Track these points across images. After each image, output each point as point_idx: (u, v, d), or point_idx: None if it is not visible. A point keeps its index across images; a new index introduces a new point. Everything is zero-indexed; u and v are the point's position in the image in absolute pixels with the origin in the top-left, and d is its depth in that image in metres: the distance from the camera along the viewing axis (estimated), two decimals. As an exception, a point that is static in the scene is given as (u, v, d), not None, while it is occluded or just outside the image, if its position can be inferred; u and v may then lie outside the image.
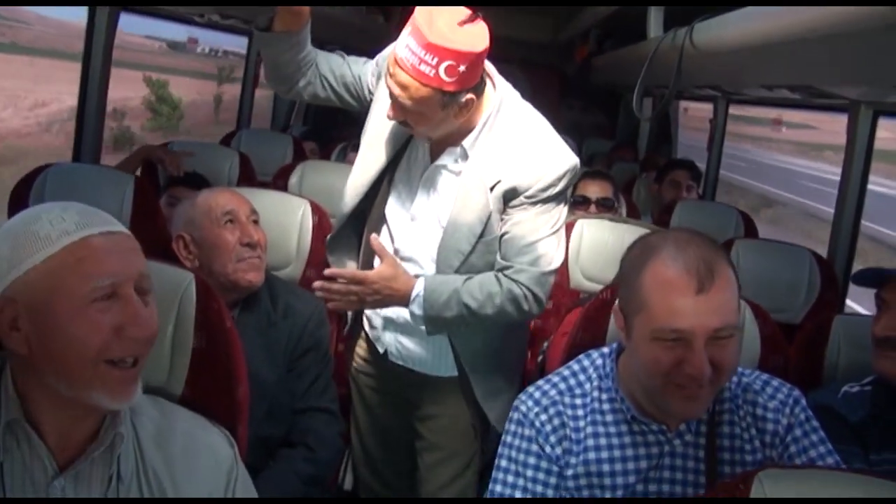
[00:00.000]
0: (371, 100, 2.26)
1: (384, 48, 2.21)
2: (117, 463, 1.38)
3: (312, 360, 2.25)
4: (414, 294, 2.10)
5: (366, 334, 2.37)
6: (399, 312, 2.21)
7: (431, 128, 2.06)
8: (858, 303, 4.49)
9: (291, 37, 2.20)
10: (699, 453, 1.60)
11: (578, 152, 2.22)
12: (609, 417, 1.63)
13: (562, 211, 2.13)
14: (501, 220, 2.11)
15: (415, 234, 2.20)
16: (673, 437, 1.60)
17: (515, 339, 2.35)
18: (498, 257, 2.13)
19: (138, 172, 3.47)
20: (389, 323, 2.28)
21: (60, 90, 7.74)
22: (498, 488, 1.66)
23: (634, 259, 1.56)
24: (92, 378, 1.30)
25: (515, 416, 1.67)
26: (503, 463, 1.67)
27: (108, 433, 1.38)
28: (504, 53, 1.86)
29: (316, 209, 2.67)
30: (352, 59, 2.30)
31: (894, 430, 1.88)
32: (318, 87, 2.28)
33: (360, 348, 2.40)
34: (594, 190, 3.39)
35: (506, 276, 2.11)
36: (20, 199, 2.77)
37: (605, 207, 3.37)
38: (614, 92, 7.31)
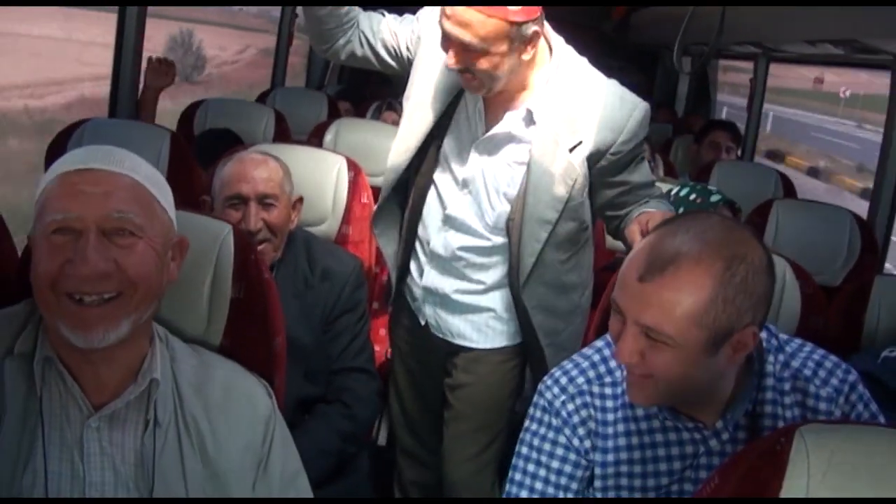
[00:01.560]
0: (412, 61, 2.18)
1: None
2: (154, 408, 1.40)
3: (349, 321, 2.25)
4: None
5: (408, 305, 2.34)
6: (437, 284, 2.22)
7: (496, 74, 1.95)
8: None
9: None
10: (738, 449, 1.44)
11: None
12: (640, 411, 1.48)
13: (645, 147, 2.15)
14: (599, 181, 2.09)
15: (467, 201, 2.14)
16: (710, 435, 1.46)
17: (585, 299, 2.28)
18: (628, 204, 2.11)
19: (175, 128, 3.48)
20: (429, 295, 2.25)
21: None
22: (518, 476, 1.55)
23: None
24: (56, 309, 1.32)
25: (541, 402, 1.55)
26: (524, 450, 1.55)
27: (145, 378, 1.40)
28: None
29: (352, 165, 2.67)
30: (392, 17, 2.21)
31: (936, 395, 1.86)
32: (357, 45, 2.18)
33: (404, 317, 2.38)
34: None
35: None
36: (59, 152, 2.79)
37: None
38: (652, 52, 7.20)
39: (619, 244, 2.80)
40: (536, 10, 1.91)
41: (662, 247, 1.31)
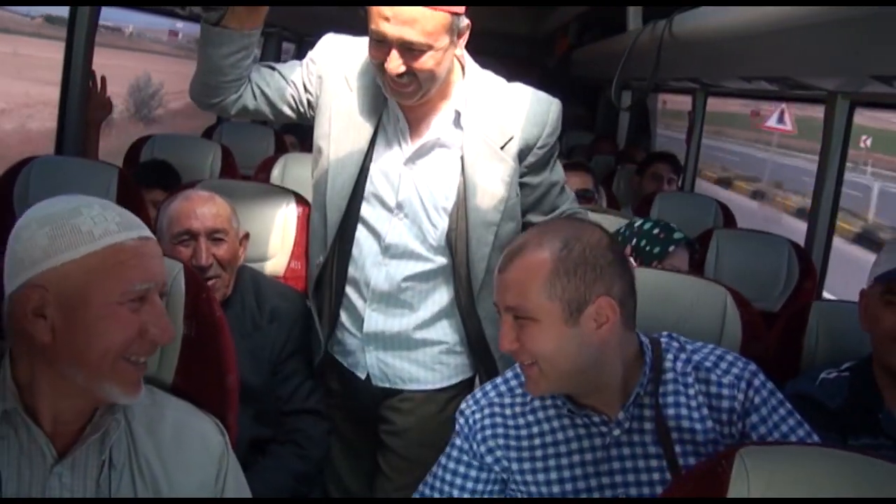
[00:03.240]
0: (312, 104, 2.10)
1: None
2: (109, 450, 1.40)
3: (298, 363, 2.23)
4: None
5: (338, 366, 2.22)
6: (382, 326, 2.12)
7: (437, 72, 1.92)
8: (834, 293, 4.56)
9: (244, 37, 1.97)
10: (645, 438, 1.60)
11: (559, 144, 2.21)
12: (551, 412, 1.66)
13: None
14: (522, 183, 2.09)
15: (404, 226, 2.07)
16: (614, 426, 1.60)
17: None
18: (534, 217, 2.13)
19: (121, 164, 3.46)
20: (371, 342, 2.14)
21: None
22: (436, 470, 1.73)
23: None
24: (109, 372, 1.35)
25: (459, 417, 1.73)
26: (446, 450, 1.74)
27: (105, 419, 1.40)
28: (483, 46, 1.85)
29: (300, 201, 2.69)
30: (283, 66, 2.12)
31: (872, 416, 1.92)
32: (249, 99, 2.06)
33: (333, 382, 2.27)
34: (574, 182, 3.41)
35: (571, 212, 2.18)
36: (4, 191, 2.77)
37: (584, 199, 3.40)
38: (594, 85, 7.35)
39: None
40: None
41: (513, 244, 1.58)
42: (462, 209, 2.04)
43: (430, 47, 1.87)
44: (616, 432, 1.61)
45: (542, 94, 2.09)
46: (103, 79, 3.43)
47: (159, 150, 3.70)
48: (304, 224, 2.63)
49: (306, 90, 2.10)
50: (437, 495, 1.70)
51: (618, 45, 3.87)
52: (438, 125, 2.04)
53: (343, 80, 2.05)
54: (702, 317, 1.99)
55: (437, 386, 2.17)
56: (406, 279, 2.10)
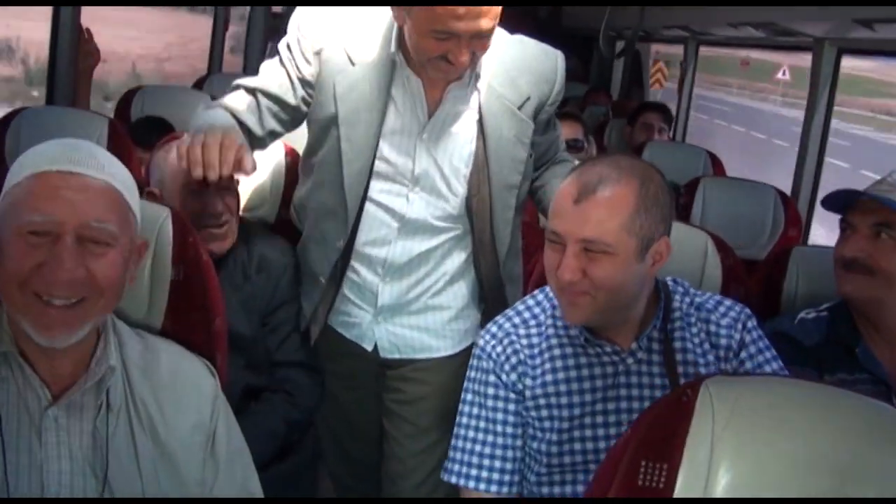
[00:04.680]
0: (311, 94, 1.98)
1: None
2: (106, 393, 1.43)
3: (287, 314, 2.20)
4: None
5: (337, 337, 2.16)
6: (396, 297, 2.07)
7: (488, 49, 1.86)
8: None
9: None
10: (653, 369, 1.70)
11: None
12: (565, 340, 1.73)
13: None
14: (535, 142, 2.05)
15: (422, 199, 2.00)
16: (626, 355, 1.70)
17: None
18: (537, 164, 2.12)
19: (112, 115, 3.47)
20: (381, 313, 2.10)
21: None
22: (464, 420, 1.77)
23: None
24: (21, 306, 1.35)
25: (476, 351, 1.79)
26: (468, 396, 1.78)
27: (100, 366, 1.43)
28: None
29: (289, 151, 2.70)
30: (268, 82, 1.98)
31: (848, 352, 1.95)
32: (260, 144, 2.02)
33: (331, 352, 2.19)
34: (565, 132, 3.38)
35: (562, 159, 2.20)
36: (-3, 141, 2.79)
37: (574, 149, 3.42)
38: (588, 36, 7.31)
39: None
40: None
41: (588, 175, 1.58)
42: (483, 173, 1.99)
43: (492, 30, 1.80)
44: (629, 361, 1.70)
45: (547, 48, 2.05)
46: (88, 30, 3.43)
47: (149, 102, 3.71)
48: (293, 172, 2.64)
49: (304, 82, 1.98)
50: (482, 436, 1.74)
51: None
52: (456, 90, 1.95)
53: (343, 54, 1.93)
54: (683, 261, 2.00)
55: (448, 353, 2.13)
56: (425, 251, 2.05)
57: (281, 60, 1.99)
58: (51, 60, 3.42)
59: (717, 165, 3.89)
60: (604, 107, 6.09)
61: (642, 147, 3.91)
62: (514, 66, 1.98)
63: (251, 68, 5.79)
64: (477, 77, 1.94)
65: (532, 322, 1.77)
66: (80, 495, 1.41)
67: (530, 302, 1.81)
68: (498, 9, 1.76)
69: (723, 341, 1.71)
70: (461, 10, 1.71)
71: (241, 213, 2.36)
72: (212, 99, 3.72)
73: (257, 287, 2.17)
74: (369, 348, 2.13)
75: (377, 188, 1.99)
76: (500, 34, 1.96)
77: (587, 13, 5.57)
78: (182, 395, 1.51)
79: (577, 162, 2.34)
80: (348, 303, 2.13)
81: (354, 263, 2.07)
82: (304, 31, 1.95)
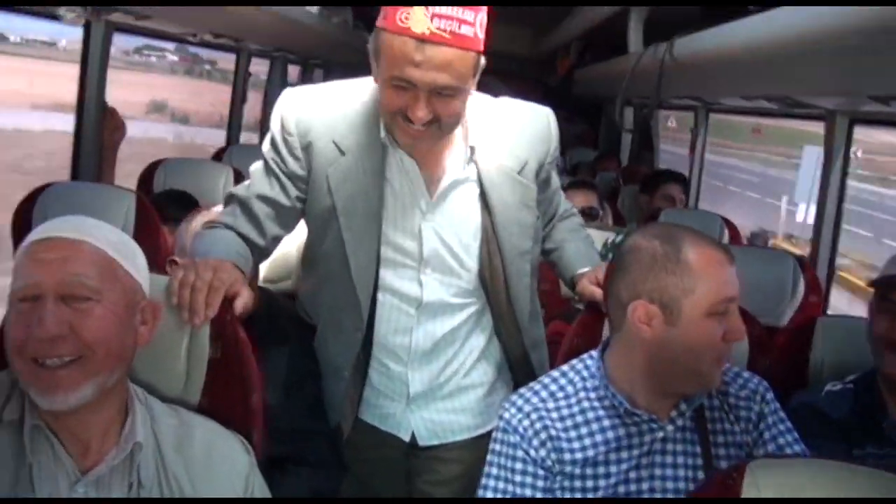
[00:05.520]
0: (304, 189, 1.93)
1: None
2: (137, 470, 1.44)
3: (311, 386, 2.16)
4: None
5: (371, 431, 2.10)
6: (431, 385, 2.02)
7: (459, 116, 1.79)
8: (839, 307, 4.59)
9: None
10: (686, 436, 1.70)
11: (563, 162, 2.23)
12: (601, 413, 1.72)
13: None
14: (538, 200, 2.01)
15: (434, 279, 1.95)
16: (665, 423, 1.70)
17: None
18: (548, 228, 2.13)
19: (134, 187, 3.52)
20: (416, 400, 2.04)
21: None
22: (489, 494, 1.73)
23: (658, 252, 1.64)
24: (24, 373, 1.37)
25: (501, 423, 1.75)
26: (493, 470, 1.74)
27: (128, 442, 1.44)
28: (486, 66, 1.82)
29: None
30: (257, 187, 1.93)
31: (875, 425, 1.96)
32: (270, 240, 1.97)
33: (362, 450, 2.11)
34: (579, 200, 3.47)
35: (565, 213, 2.19)
36: (24, 216, 2.84)
37: (590, 217, 3.46)
38: (596, 102, 7.41)
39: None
40: None
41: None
42: (494, 245, 1.94)
43: (460, 91, 1.72)
44: (669, 428, 1.70)
45: (536, 107, 2.00)
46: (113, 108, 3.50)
47: (171, 175, 3.76)
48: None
49: (295, 177, 1.92)
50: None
51: (620, 65, 3.93)
52: (453, 164, 1.90)
53: (331, 145, 1.88)
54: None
55: (484, 430, 2.05)
56: (448, 333, 2.00)
57: (267, 162, 1.93)
58: (76, 135, 3.47)
59: (732, 231, 3.92)
60: (614, 173, 6.15)
61: (657, 214, 3.94)
62: (507, 132, 1.94)
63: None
64: (472, 149, 1.90)
65: (560, 394, 1.75)
66: (113, 573, 1.40)
67: (556, 374, 1.80)
68: (465, 69, 1.70)
69: (742, 413, 1.73)
70: (418, 56, 1.65)
71: (264, 284, 2.39)
72: (233, 170, 3.85)
73: (279, 359, 2.18)
74: (406, 438, 2.07)
75: (388, 276, 1.94)
76: (486, 101, 1.95)
77: (599, 82, 5.66)
78: (216, 473, 1.52)
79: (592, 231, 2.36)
80: (379, 395, 2.07)
81: (378, 355, 2.02)
82: (289, 128, 1.89)
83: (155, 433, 1.49)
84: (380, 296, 1.96)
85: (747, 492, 1.05)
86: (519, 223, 1.95)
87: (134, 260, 1.50)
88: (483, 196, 1.93)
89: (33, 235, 1.44)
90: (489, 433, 1.97)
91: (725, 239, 3.78)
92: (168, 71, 13.68)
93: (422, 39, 1.64)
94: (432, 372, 2.03)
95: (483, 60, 1.76)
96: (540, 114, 2.00)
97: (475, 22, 1.68)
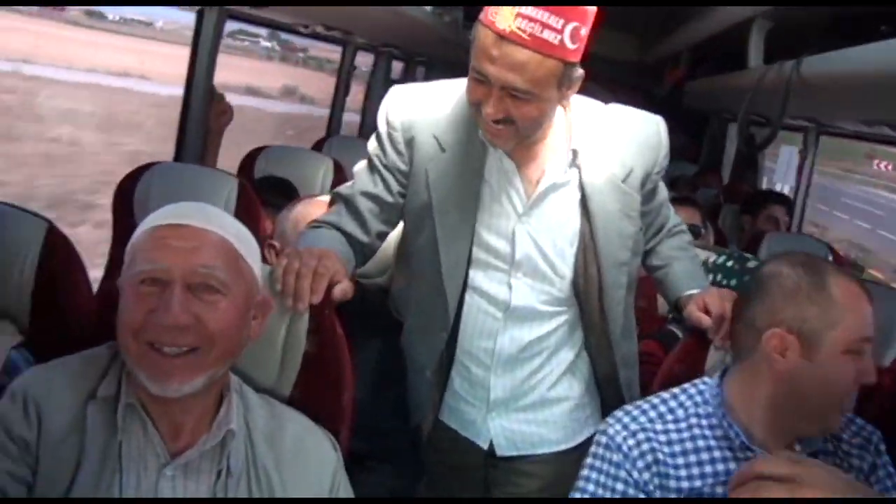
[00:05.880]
0: (405, 185, 1.95)
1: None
2: (227, 458, 1.44)
3: (398, 384, 2.18)
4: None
5: (450, 436, 2.09)
6: (513, 393, 1.99)
7: (539, 122, 1.78)
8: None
9: None
10: None
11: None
12: (712, 443, 1.63)
13: None
14: (642, 212, 1.97)
15: (526, 285, 1.93)
16: None
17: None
18: (650, 235, 2.07)
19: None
20: (496, 407, 2.02)
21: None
22: None
23: (803, 281, 1.58)
24: (136, 356, 1.38)
25: (603, 439, 1.67)
26: (590, 487, 1.65)
27: (221, 429, 1.44)
28: (586, 70, 1.76)
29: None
30: (362, 183, 1.97)
31: None
32: (374, 239, 2.00)
33: (441, 452, 2.12)
34: (681, 217, 3.37)
35: (674, 227, 2.15)
36: (127, 194, 2.86)
37: (692, 235, 3.36)
38: (702, 116, 7.24)
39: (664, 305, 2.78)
40: (583, 51, 1.73)
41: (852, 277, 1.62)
42: (591, 253, 1.91)
43: (535, 97, 1.70)
44: None
45: (647, 115, 1.97)
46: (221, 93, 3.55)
47: (272, 162, 3.79)
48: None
49: (398, 173, 1.95)
50: None
51: (740, 80, 3.82)
52: (554, 168, 1.88)
53: (433, 141, 1.89)
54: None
55: (568, 445, 2.03)
56: (534, 340, 1.97)
57: (371, 160, 1.97)
58: (182, 117, 3.52)
59: (838, 260, 3.77)
60: (715, 189, 6.00)
61: (761, 237, 3.82)
62: (613, 138, 1.90)
63: (366, 131, 5.95)
64: (575, 153, 1.88)
65: (670, 417, 1.67)
66: (193, 556, 1.42)
67: (666, 395, 1.71)
68: (541, 75, 1.67)
69: (854, 462, 1.66)
70: (495, 52, 1.65)
71: (359, 279, 2.39)
72: (333, 161, 3.87)
73: (369, 354, 2.18)
74: (485, 446, 2.04)
75: (477, 277, 1.94)
76: (594, 105, 1.93)
77: (714, 97, 5.52)
78: (305, 467, 1.52)
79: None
80: (459, 399, 2.05)
81: (462, 358, 2.01)
82: (393, 123, 1.92)
83: (247, 422, 1.49)
84: (467, 297, 1.95)
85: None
86: (619, 233, 1.91)
87: (254, 254, 1.52)
88: (583, 202, 1.89)
89: (158, 219, 1.45)
90: (574, 450, 1.99)
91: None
92: (264, 57, 14.25)
93: (501, 35, 1.64)
94: (515, 380, 1.99)
95: (577, 72, 1.74)
96: (650, 121, 1.96)
97: (563, 30, 1.65)
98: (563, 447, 2.03)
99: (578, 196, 1.90)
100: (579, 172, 1.88)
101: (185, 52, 3.51)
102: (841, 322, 1.54)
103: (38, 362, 1.66)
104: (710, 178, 6.39)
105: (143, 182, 2.86)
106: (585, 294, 1.94)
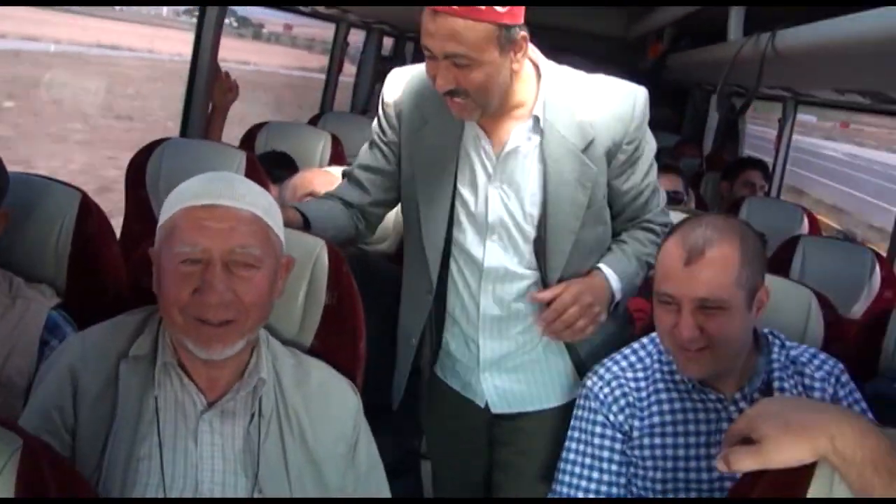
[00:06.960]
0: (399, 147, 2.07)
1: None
2: (259, 402, 1.59)
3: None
4: (615, 285, 2.01)
5: (450, 396, 2.20)
6: (497, 351, 2.08)
7: (490, 87, 1.82)
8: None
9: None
10: None
11: None
12: (671, 385, 1.82)
13: (651, 138, 2.03)
14: (609, 184, 1.99)
15: (499, 248, 2.00)
16: (729, 403, 1.78)
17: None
18: (622, 220, 2.07)
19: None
20: (488, 367, 2.10)
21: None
22: (570, 456, 1.87)
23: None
24: (182, 327, 1.51)
25: (583, 391, 1.89)
26: (575, 434, 1.88)
27: (252, 377, 1.59)
28: (572, 45, 1.84)
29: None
30: (369, 161, 2.13)
31: (948, 416, 2.01)
32: (374, 215, 2.16)
33: (440, 410, 2.25)
34: (664, 184, 3.48)
35: (649, 221, 2.09)
36: (138, 169, 2.97)
37: (674, 201, 3.51)
38: (683, 88, 7.35)
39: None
40: (521, 13, 1.79)
41: (693, 238, 1.68)
42: (542, 212, 1.97)
43: (476, 62, 1.77)
44: (731, 409, 1.78)
45: (625, 85, 1.97)
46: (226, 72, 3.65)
47: (273, 137, 3.92)
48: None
49: (393, 145, 2.08)
50: (587, 472, 1.84)
51: (719, 53, 3.93)
52: (517, 133, 1.94)
53: (418, 114, 2.00)
54: (788, 316, 2.09)
55: (559, 403, 2.13)
56: (516, 299, 2.03)
57: (373, 138, 2.12)
58: (187, 94, 3.63)
59: (813, 223, 3.94)
60: (697, 159, 6.14)
61: (739, 202, 3.99)
62: (581, 107, 1.92)
63: (358, 106, 6.06)
64: (536, 119, 1.93)
65: (639, 365, 1.87)
66: (232, 492, 1.56)
67: (636, 346, 1.90)
68: (474, 39, 1.75)
69: (816, 395, 1.77)
70: (431, 26, 1.75)
71: (363, 246, 2.53)
72: (331, 136, 4.00)
73: (373, 316, 2.31)
74: (482, 404, 2.14)
75: (459, 238, 2.02)
76: (567, 73, 1.98)
77: (693, 69, 5.65)
78: (329, 408, 1.66)
79: (673, 219, 2.40)
80: (455, 361, 2.16)
81: (453, 319, 2.11)
82: (388, 101, 2.05)
83: (276, 370, 1.64)
84: (452, 261, 2.05)
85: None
86: (572, 201, 1.95)
87: (279, 222, 1.64)
88: (543, 167, 1.95)
89: (192, 198, 1.54)
90: (568, 407, 2.05)
91: (805, 229, 3.81)
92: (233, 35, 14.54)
93: (435, 11, 1.75)
94: (503, 340, 2.08)
95: (518, 33, 1.80)
96: (627, 92, 1.96)
97: None
98: (554, 404, 2.13)
99: (538, 162, 1.96)
100: (541, 139, 1.94)
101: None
102: (656, 275, 1.75)
103: (74, 320, 1.84)
104: (690, 148, 6.50)
105: (155, 156, 2.95)
106: (541, 258, 2.01)
